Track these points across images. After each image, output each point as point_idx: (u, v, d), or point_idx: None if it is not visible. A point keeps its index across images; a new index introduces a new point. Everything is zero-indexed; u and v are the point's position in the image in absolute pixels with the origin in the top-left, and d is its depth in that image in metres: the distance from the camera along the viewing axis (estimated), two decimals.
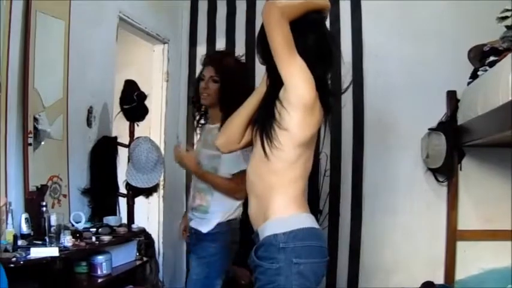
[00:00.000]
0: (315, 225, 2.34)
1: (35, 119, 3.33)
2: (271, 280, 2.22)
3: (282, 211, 2.29)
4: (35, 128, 3.33)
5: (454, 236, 4.87)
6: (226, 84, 3.38)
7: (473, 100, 4.14)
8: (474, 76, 4.32)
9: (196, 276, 3.40)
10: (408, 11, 5.02)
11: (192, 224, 3.47)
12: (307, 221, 2.30)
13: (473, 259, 4.75)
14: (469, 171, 4.87)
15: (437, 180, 4.94)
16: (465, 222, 4.88)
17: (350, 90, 5.00)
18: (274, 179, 2.33)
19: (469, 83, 4.41)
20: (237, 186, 3.23)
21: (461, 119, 4.59)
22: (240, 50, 5.23)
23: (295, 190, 2.33)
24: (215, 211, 3.38)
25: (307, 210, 2.36)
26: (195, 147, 3.79)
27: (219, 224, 3.36)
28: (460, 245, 4.88)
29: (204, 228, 3.37)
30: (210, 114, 3.57)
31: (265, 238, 2.26)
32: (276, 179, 2.33)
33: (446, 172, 4.86)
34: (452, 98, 4.81)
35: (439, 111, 4.85)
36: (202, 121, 3.63)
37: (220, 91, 3.39)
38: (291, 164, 2.31)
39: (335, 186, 5.06)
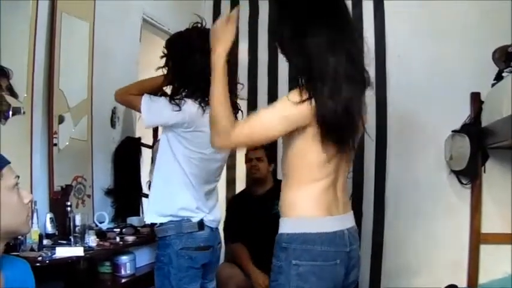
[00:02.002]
0: (328, 229, 2.22)
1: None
2: (275, 277, 2.23)
3: (295, 210, 2.26)
4: None
5: (477, 239, 4.82)
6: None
7: (497, 102, 4.10)
8: (499, 77, 4.28)
9: None
10: (432, 11, 4.98)
11: None
12: (318, 225, 2.22)
13: (497, 262, 4.68)
14: (493, 174, 4.81)
15: (461, 183, 4.90)
16: (489, 225, 4.83)
17: (373, 90, 5.00)
18: (291, 171, 2.29)
19: (493, 85, 4.37)
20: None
21: (485, 121, 4.54)
22: (262, 51, 5.24)
23: (314, 189, 2.24)
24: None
25: (327, 211, 2.25)
26: None
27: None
28: (484, 248, 4.82)
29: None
30: None
31: (277, 235, 2.27)
32: (293, 173, 2.28)
33: (469, 174, 4.81)
34: (476, 100, 4.77)
35: (462, 113, 4.80)
36: None
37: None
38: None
39: (358, 186, 5.04)
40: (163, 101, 2.91)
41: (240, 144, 2.40)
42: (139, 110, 2.96)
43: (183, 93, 2.92)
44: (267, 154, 4.53)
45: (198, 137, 2.87)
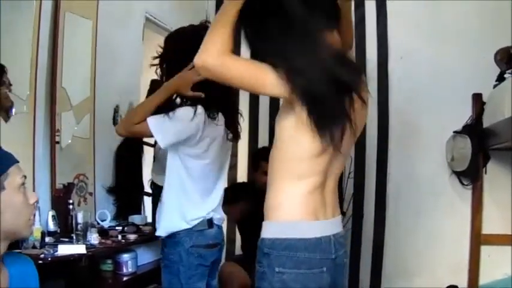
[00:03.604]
0: (312, 235, 2.11)
1: None
2: (258, 284, 2.13)
3: (278, 213, 2.14)
4: None
5: (478, 240, 4.81)
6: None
7: (499, 103, 4.10)
8: (500, 79, 4.28)
9: None
10: (434, 12, 4.98)
11: None
12: (301, 230, 2.11)
13: (498, 264, 4.69)
14: (494, 175, 4.81)
15: (462, 184, 4.90)
16: (489, 227, 4.83)
17: (375, 91, 5.01)
18: (275, 167, 2.15)
19: (495, 86, 4.37)
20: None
21: (487, 122, 4.54)
22: None
23: (299, 190, 2.11)
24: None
25: (313, 215, 2.13)
26: None
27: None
28: (484, 249, 4.82)
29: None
30: None
31: (259, 240, 2.15)
32: (277, 168, 2.15)
33: (471, 175, 4.81)
34: (478, 101, 4.76)
35: (464, 114, 4.80)
36: None
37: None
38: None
39: (359, 187, 5.04)
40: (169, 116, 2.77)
41: (216, 68, 2.01)
42: (151, 135, 2.81)
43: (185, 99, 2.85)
44: None
45: (204, 144, 2.83)
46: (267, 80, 1.97)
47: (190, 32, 2.98)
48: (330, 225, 2.19)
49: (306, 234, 2.10)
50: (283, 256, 2.08)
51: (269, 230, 2.14)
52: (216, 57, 1.97)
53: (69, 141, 3.49)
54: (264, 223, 2.17)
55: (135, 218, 3.79)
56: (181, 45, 2.94)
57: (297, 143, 2.07)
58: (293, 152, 2.10)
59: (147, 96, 3.89)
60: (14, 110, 2.96)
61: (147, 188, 4.10)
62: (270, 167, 2.17)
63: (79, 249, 2.84)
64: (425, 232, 4.95)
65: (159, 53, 3.01)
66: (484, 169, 4.78)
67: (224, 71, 2.00)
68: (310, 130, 1.99)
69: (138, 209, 4.13)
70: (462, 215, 4.87)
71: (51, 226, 3.11)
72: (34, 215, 2.40)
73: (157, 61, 3.00)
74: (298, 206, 2.11)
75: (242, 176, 5.21)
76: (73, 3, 3.47)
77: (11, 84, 2.90)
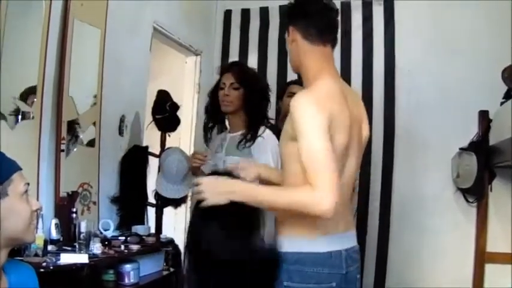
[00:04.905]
0: (322, 249, 2.15)
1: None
2: None
3: (288, 228, 2.20)
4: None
5: (482, 258, 4.79)
6: (249, 90, 3.43)
7: (506, 120, 4.08)
8: (508, 96, 4.27)
9: None
10: (442, 28, 4.98)
11: None
12: (310, 244, 2.15)
13: (502, 282, 4.66)
14: (500, 193, 4.79)
15: (467, 201, 4.87)
16: (494, 245, 4.80)
17: (381, 105, 5.00)
18: (291, 182, 2.22)
19: (502, 103, 4.36)
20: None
21: (493, 140, 4.53)
22: (272, 62, 5.24)
23: None
24: None
25: (323, 229, 2.17)
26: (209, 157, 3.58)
27: None
28: (489, 268, 4.79)
29: None
30: (230, 122, 3.60)
31: None
32: (293, 183, 2.21)
33: (476, 193, 4.79)
34: (484, 118, 4.75)
35: (470, 131, 4.79)
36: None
37: (243, 97, 3.43)
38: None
39: (363, 203, 5.02)
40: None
41: (335, 192, 2.01)
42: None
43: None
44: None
45: None
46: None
47: None
48: (341, 240, 2.22)
49: (315, 249, 2.14)
50: (292, 270, 2.12)
51: (279, 244, 2.19)
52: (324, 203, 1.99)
53: (75, 149, 3.48)
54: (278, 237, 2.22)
55: (138, 229, 3.77)
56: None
57: (297, 160, 2.10)
58: (295, 167, 2.13)
59: (153, 107, 3.91)
60: (20, 117, 2.96)
61: (151, 199, 4.08)
62: (287, 182, 2.23)
63: (81, 258, 2.83)
64: (429, 248, 4.93)
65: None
66: (489, 187, 4.76)
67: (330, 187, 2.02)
68: None
69: (141, 220, 4.10)
70: (467, 233, 4.85)
71: (54, 234, 3.09)
72: (37, 222, 2.40)
73: None
74: (307, 221, 2.13)
75: None
76: (82, 11, 3.47)
77: None
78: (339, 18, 2.45)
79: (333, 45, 2.35)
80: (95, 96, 3.69)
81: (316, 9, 2.32)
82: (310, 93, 2.19)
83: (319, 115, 2.06)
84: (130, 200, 3.98)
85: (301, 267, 2.11)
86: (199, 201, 2.20)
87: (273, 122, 3.73)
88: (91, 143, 3.66)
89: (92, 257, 2.93)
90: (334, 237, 2.18)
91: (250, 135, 3.39)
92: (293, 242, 2.15)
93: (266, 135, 3.41)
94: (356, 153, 2.27)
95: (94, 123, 3.68)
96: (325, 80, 2.25)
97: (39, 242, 2.83)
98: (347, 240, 2.24)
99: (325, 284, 2.12)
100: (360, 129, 2.33)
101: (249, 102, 3.42)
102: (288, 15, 2.40)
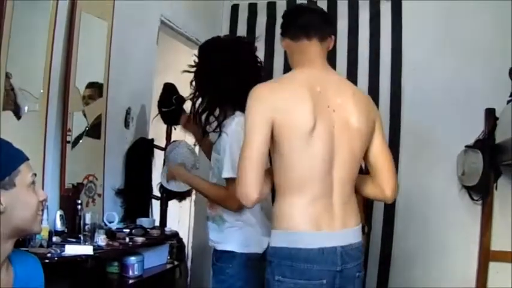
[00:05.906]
0: (313, 245, 2.14)
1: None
2: None
3: (281, 223, 2.20)
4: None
5: (487, 256, 4.78)
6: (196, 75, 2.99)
7: None
8: None
9: None
10: (450, 25, 4.97)
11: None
12: (301, 240, 2.14)
13: (506, 281, 4.65)
14: (505, 191, 4.77)
15: (472, 199, 4.86)
16: (499, 243, 4.79)
17: (388, 103, 4.99)
18: (277, 178, 2.23)
19: (508, 101, 4.36)
20: (226, 192, 2.70)
21: (499, 138, 4.52)
22: (279, 56, 5.22)
23: (301, 198, 2.17)
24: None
25: (314, 225, 2.16)
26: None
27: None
28: (493, 266, 4.79)
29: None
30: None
31: None
32: (278, 179, 2.22)
33: (481, 191, 4.78)
34: (490, 116, 4.74)
35: (476, 129, 4.78)
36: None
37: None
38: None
39: (367, 200, 5.00)
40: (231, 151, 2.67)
41: (256, 192, 2.10)
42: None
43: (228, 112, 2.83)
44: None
45: None
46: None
47: (228, 42, 3.02)
48: (336, 237, 2.20)
49: (306, 245, 2.15)
50: (284, 265, 2.14)
51: (273, 239, 2.22)
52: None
53: (81, 141, 3.49)
54: (272, 231, 2.25)
55: (143, 221, 3.78)
56: (218, 56, 2.88)
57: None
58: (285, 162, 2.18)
59: (159, 100, 3.89)
60: (26, 108, 2.96)
61: (156, 192, 4.08)
62: (274, 178, 2.23)
63: (86, 250, 2.83)
64: (433, 246, 4.92)
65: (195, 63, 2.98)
66: (494, 185, 4.75)
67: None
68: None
69: (146, 212, 4.12)
70: (471, 231, 4.84)
71: (59, 226, 3.09)
72: (42, 212, 2.40)
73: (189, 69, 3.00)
74: (298, 216, 2.17)
75: None
76: (89, 4, 3.48)
77: None
78: (324, 11, 2.49)
79: (321, 39, 2.35)
80: (101, 88, 3.69)
81: (291, 10, 2.50)
82: (254, 88, 2.23)
83: (257, 107, 2.16)
84: (135, 193, 3.99)
85: (292, 263, 2.12)
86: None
87: None
88: (97, 135, 3.66)
89: (96, 248, 2.93)
90: (328, 234, 2.17)
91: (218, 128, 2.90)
92: (284, 237, 2.17)
93: (231, 130, 2.77)
94: (326, 139, 2.17)
95: (100, 115, 3.68)
96: (293, 72, 2.35)
97: (44, 233, 2.84)
98: (344, 238, 2.21)
99: (316, 281, 2.12)
100: (342, 118, 2.24)
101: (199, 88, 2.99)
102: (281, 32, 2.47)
